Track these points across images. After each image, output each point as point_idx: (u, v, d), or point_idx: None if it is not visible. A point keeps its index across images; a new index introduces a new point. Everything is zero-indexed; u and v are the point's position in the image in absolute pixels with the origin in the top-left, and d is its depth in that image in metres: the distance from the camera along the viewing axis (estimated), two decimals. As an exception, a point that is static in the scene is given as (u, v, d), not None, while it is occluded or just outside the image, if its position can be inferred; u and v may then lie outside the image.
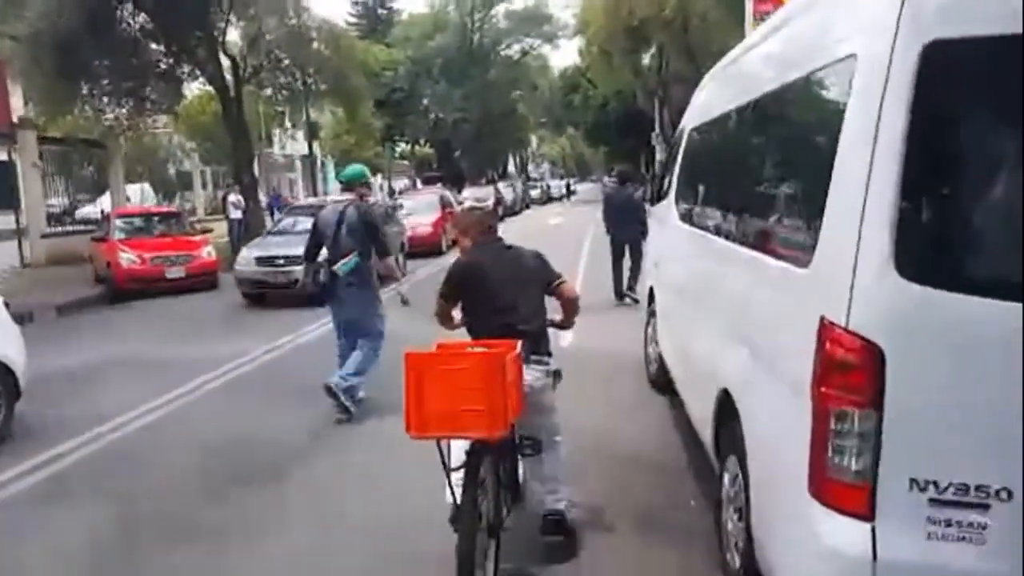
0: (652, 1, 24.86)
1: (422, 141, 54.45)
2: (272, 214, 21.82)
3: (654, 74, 32.80)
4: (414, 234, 16.75)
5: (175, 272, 12.83)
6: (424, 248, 17.03)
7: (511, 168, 79.29)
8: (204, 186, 35.60)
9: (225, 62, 19.42)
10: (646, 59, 33.33)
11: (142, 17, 18.86)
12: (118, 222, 14.15)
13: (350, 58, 21.18)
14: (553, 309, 3.75)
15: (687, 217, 4.90)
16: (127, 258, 12.71)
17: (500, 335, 3.26)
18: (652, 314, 6.13)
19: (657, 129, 33.64)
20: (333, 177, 41.87)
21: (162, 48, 19.38)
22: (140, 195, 34.43)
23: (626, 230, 9.76)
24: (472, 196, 29.03)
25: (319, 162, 36.40)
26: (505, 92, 53.25)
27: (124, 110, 19.43)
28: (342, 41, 21.00)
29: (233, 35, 19.87)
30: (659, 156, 35.46)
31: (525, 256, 3.65)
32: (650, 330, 6.22)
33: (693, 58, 25.66)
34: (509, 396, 2.90)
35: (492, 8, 52.23)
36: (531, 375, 3.33)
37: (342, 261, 5.64)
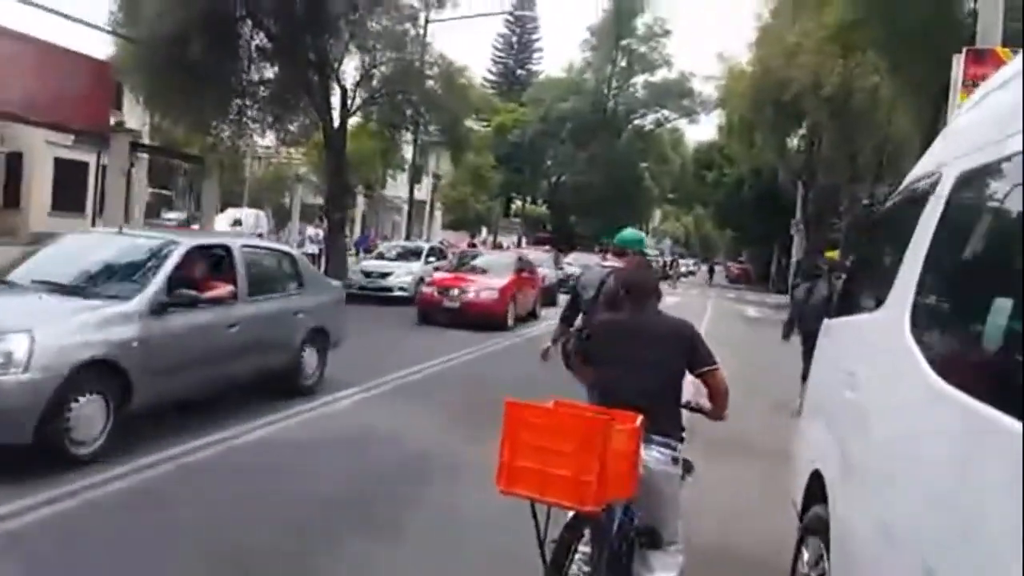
0: (809, 74, 22.04)
1: (539, 201, 53.05)
2: (357, 253, 20.26)
3: (800, 155, 29.61)
4: (473, 300, 13.86)
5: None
6: (483, 318, 13.60)
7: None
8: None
9: (335, 91, 18.31)
10: (793, 139, 30.25)
11: (261, 37, 18.14)
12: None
13: (462, 99, 19.57)
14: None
15: (953, 366, 2.10)
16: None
17: (618, 404, 3.02)
18: (809, 534, 3.16)
19: (798, 215, 30.25)
20: (439, 226, 40.78)
21: (275, 70, 18.52)
22: (255, 220, 34.52)
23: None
24: (576, 262, 26.88)
25: (427, 208, 35.23)
26: (633, 161, 51.25)
27: (227, 128, 18.60)
28: (456, 80, 19.44)
29: (347, 65, 18.73)
30: (796, 246, 31.99)
31: (674, 327, 3.36)
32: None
33: (850, 140, 22.52)
34: (611, 469, 2.64)
35: (631, 78, 50.75)
36: (652, 456, 3.07)
37: None
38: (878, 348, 2.62)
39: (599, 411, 2.96)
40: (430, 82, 19.00)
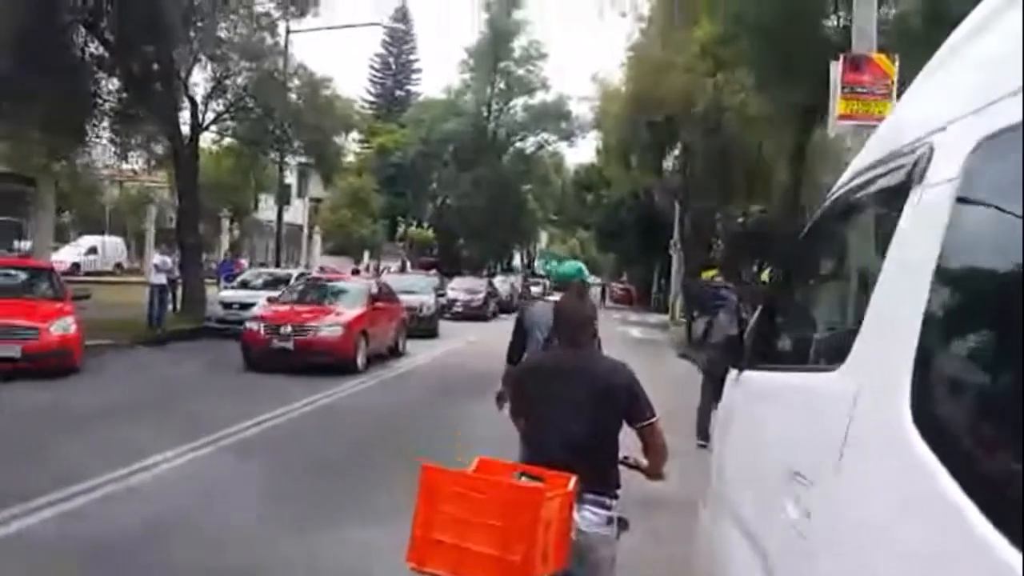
0: (681, 93, 22.27)
1: (425, 224, 52.02)
2: (218, 282, 18.47)
3: (676, 176, 30.09)
4: (311, 339, 11.45)
5: (4, 351, 9.22)
6: (325, 360, 11.19)
7: (516, 262, 77.10)
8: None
9: (185, 104, 16.65)
10: (668, 160, 30.71)
11: (96, 44, 16.28)
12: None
13: (328, 114, 18.33)
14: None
15: (1007, 489, 1.03)
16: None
17: (549, 460, 2.78)
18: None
19: (675, 236, 30.65)
20: (319, 252, 38.84)
21: (115, 82, 16.67)
22: (102, 248, 31.56)
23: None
24: (461, 287, 26.03)
25: (303, 232, 33.38)
26: (516, 184, 51.25)
27: (64, 145, 16.48)
28: (321, 93, 18.19)
29: (198, 75, 17.11)
30: (676, 265, 32.44)
31: (608, 372, 3.04)
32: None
33: (722, 160, 22.90)
34: (541, 544, 2.39)
35: (511, 100, 50.86)
36: (585, 517, 2.78)
37: None
38: (851, 442, 1.55)
39: (530, 472, 2.74)
40: (291, 95, 17.63)
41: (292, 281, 15.63)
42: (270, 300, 13.39)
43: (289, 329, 11.45)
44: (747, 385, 2.71)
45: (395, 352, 14.13)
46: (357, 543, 4.78)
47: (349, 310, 12.36)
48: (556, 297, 4.67)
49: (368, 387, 10.89)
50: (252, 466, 6.42)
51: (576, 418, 2.87)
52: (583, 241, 76.23)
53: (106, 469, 5.78)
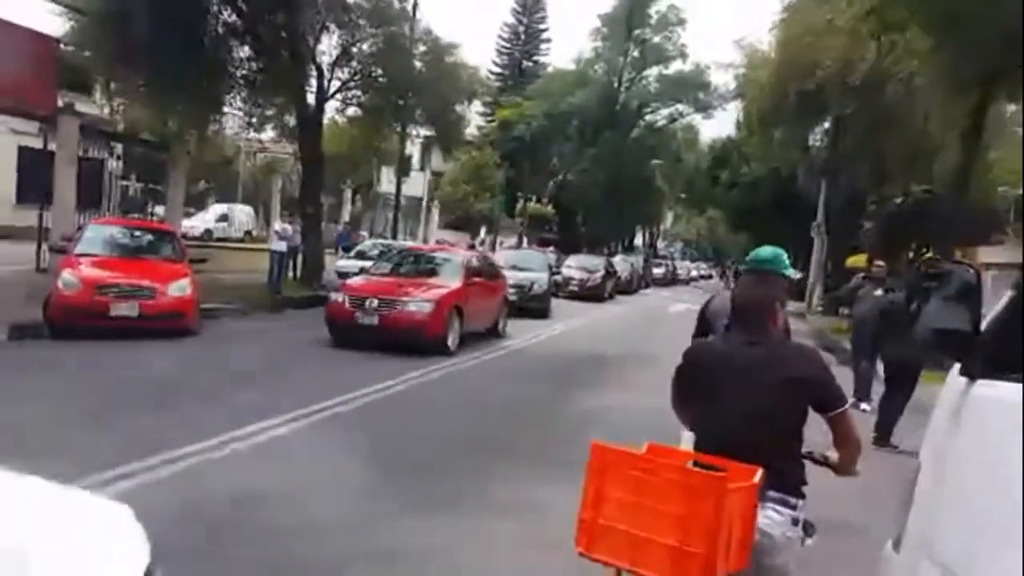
0: (838, 58, 19.98)
1: (544, 200, 51.08)
2: (337, 251, 18.38)
3: (823, 152, 27.50)
4: (397, 315, 10.36)
5: (123, 309, 9.18)
6: (412, 339, 10.23)
7: (638, 242, 75.02)
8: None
9: (312, 72, 16.45)
10: (815, 134, 28.13)
11: (228, 11, 16.33)
12: (88, 233, 10.90)
13: (452, 81, 17.62)
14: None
15: None
16: (67, 282, 9.21)
17: (725, 452, 2.52)
18: None
19: (819, 217, 28.10)
20: (437, 226, 38.82)
21: (245, 49, 16.71)
22: (232, 215, 32.85)
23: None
24: (577, 265, 24.92)
25: (422, 206, 33.33)
26: (643, 159, 49.22)
27: (195, 113, 16.77)
28: (445, 59, 17.49)
29: (326, 43, 16.84)
30: (816, 250, 29.84)
31: (796, 357, 2.73)
32: None
33: (878, 135, 20.45)
34: (725, 538, 2.20)
35: (644, 70, 48.65)
36: (768, 518, 2.55)
37: None
38: None
39: (706, 461, 2.52)
40: (416, 63, 17.07)
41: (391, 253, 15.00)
42: (362, 271, 12.52)
43: (375, 303, 10.42)
44: (994, 403, 1.88)
45: (495, 332, 12.94)
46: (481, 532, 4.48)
47: (442, 285, 11.24)
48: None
49: (447, 376, 9.57)
50: (342, 444, 6.07)
51: (759, 409, 2.61)
52: (711, 221, 72.83)
53: (191, 439, 5.54)
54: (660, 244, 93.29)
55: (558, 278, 21.18)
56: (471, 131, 49.85)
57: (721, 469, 2.37)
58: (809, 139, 28.05)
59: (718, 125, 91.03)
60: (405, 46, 16.81)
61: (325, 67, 16.64)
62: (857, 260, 27.30)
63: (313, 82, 16.88)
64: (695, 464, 2.55)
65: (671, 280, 41.00)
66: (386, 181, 34.47)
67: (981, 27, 13.27)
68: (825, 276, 29.39)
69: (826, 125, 26.54)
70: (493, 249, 26.04)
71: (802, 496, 2.67)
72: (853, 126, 22.75)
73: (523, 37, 57.66)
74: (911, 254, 22.49)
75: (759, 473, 2.42)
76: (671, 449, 2.70)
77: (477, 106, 53.49)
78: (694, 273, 58.37)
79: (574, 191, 46.95)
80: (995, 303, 2.19)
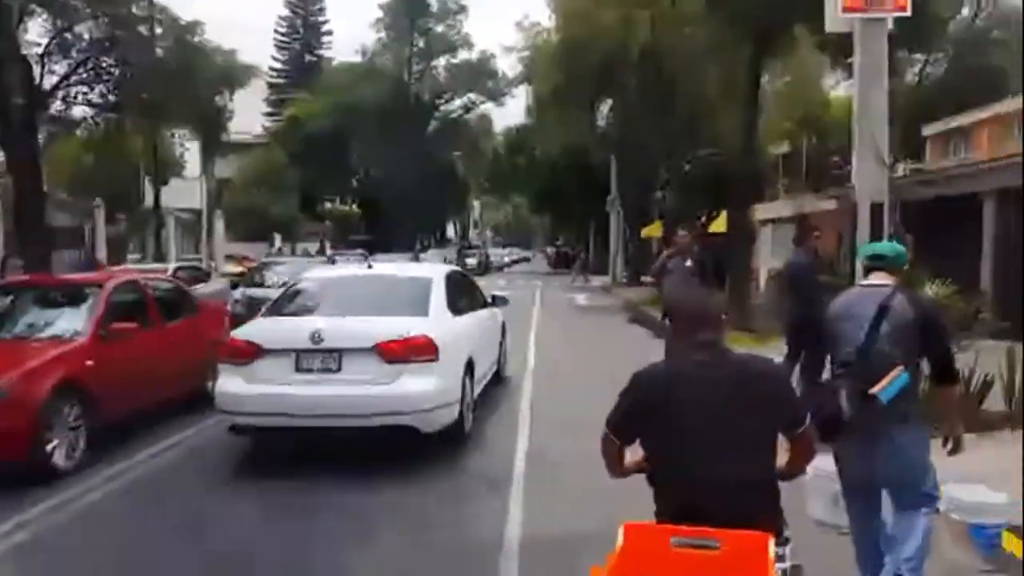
0: (615, 32, 19.93)
1: (348, 200, 48.77)
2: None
3: (612, 127, 27.91)
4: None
5: None
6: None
7: (450, 234, 74.45)
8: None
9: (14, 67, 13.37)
10: (603, 110, 28.48)
11: None
12: None
13: (203, 68, 15.18)
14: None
15: None
16: None
17: (698, 504, 2.23)
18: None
19: (614, 192, 28.58)
20: (224, 240, 35.21)
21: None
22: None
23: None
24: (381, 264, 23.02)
25: (203, 218, 29.92)
26: (444, 151, 48.43)
27: None
28: (187, 42, 15.02)
29: (33, 32, 13.78)
30: (613, 225, 30.43)
31: (758, 374, 2.39)
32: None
33: (664, 103, 20.71)
34: None
35: (432, 60, 47.68)
36: None
37: (885, 381, 3.05)
38: None
39: (694, 535, 2.14)
40: (157, 48, 14.51)
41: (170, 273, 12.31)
42: None
43: None
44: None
45: (197, 398, 7.26)
46: None
47: (41, 348, 5.98)
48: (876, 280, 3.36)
49: (72, 516, 4.86)
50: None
51: (730, 442, 2.26)
52: (516, 206, 73.95)
53: None
54: (472, 233, 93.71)
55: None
56: (256, 131, 46.38)
57: (713, 545, 2.11)
58: (598, 115, 28.36)
59: (511, 111, 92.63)
60: (139, 30, 14.19)
61: (33, 60, 13.56)
62: (652, 230, 28.19)
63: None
64: (680, 543, 2.15)
65: (484, 269, 40.40)
66: (168, 192, 30.38)
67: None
68: (624, 247, 30.08)
69: (612, 100, 26.89)
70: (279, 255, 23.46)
71: (788, 541, 2.37)
72: (638, 98, 23.02)
73: (302, 30, 54.51)
74: (703, 218, 23.23)
75: (771, 545, 2.12)
76: (651, 526, 2.29)
77: (259, 103, 49.88)
78: (507, 259, 58.65)
79: (378, 188, 45.08)
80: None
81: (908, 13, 6.74)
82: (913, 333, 3.17)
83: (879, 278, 3.35)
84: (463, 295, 7.53)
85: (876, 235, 6.81)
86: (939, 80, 28.87)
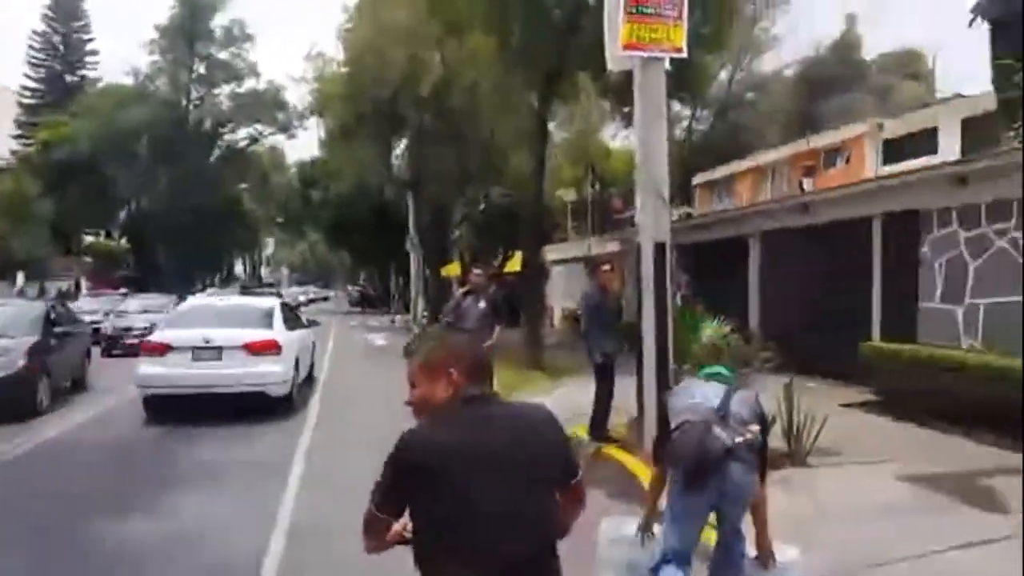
0: (406, 67, 19.54)
1: (115, 233, 43.80)
2: None
3: (407, 164, 27.42)
4: None
5: None
6: None
7: (240, 271, 69.87)
8: None
9: None
10: (399, 147, 27.93)
11: None
12: None
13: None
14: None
15: None
16: None
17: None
18: None
19: (412, 231, 28.02)
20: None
21: None
22: None
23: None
24: (139, 308, 19.15)
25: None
26: (229, 182, 45.26)
27: None
28: None
29: None
30: (413, 264, 29.86)
31: (533, 426, 2.09)
32: None
33: (460, 147, 20.58)
34: None
35: (215, 87, 44.58)
36: None
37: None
38: None
39: None
40: None
41: None
42: None
43: None
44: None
45: None
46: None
47: None
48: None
49: None
50: None
51: (507, 503, 1.96)
52: (312, 243, 71.05)
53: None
54: (264, 271, 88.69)
55: (106, 328, 16.75)
56: (3, 153, 40.44)
57: None
58: (393, 152, 27.75)
59: (304, 144, 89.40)
60: None
61: None
62: (451, 269, 28.02)
63: None
64: None
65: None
66: None
67: (536, 29, 13.56)
68: (425, 287, 29.57)
69: (406, 139, 26.43)
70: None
71: None
72: (431, 136, 22.75)
73: (62, 48, 48.77)
74: (500, 258, 23.33)
75: None
76: None
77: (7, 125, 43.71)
78: (302, 298, 55.93)
79: (151, 220, 40.89)
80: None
81: (684, 54, 6.81)
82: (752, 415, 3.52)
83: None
84: (291, 318, 11.24)
85: (660, 272, 6.75)
86: (704, 135, 31.79)
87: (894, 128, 20.28)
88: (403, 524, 2.12)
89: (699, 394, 3.51)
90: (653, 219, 6.94)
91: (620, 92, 15.49)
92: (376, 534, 2.11)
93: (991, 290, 8.10)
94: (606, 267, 7.82)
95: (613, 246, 19.35)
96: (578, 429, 7.36)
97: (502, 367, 11.03)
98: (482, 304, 8.41)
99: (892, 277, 9.65)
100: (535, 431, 2.09)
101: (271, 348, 9.32)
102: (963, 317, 8.46)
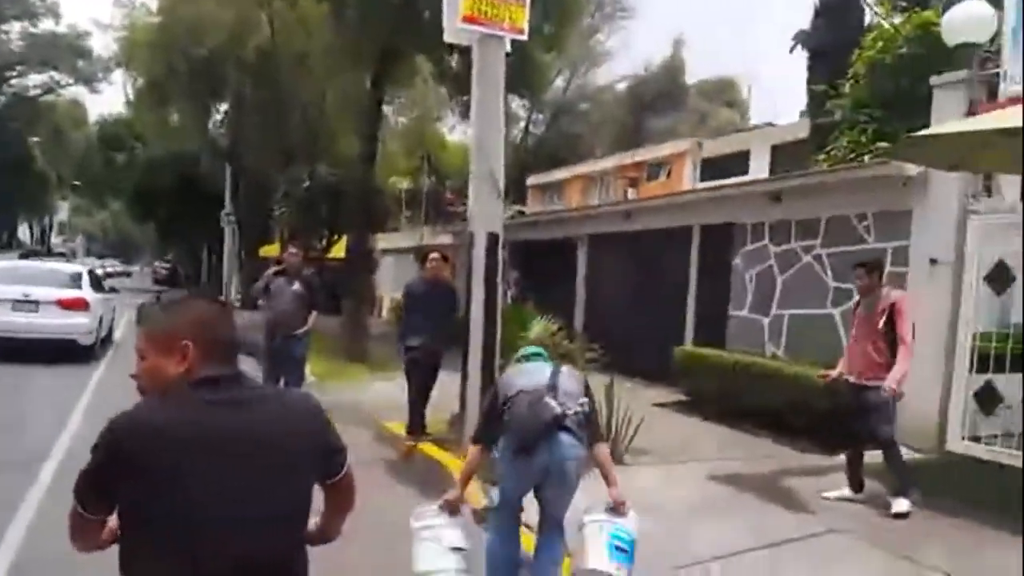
0: (229, 26, 17.89)
1: None
2: None
3: (226, 131, 25.29)
4: None
5: None
6: None
7: (24, 236, 61.97)
8: None
9: None
10: (216, 114, 25.68)
11: None
12: None
13: None
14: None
15: None
16: None
17: None
18: None
19: (228, 205, 25.91)
20: None
21: None
22: None
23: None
24: None
25: None
26: (18, 135, 39.70)
27: None
28: None
29: None
30: (228, 242, 27.62)
31: (283, 414, 1.81)
32: None
33: (286, 117, 19.19)
34: None
35: (3, 23, 38.89)
36: None
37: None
38: None
39: None
40: None
41: None
42: None
43: None
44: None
45: None
46: None
47: None
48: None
49: None
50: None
51: (251, 500, 1.68)
52: (115, 213, 64.25)
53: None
54: (56, 239, 79.19)
55: None
56: None
57: None
58: (210, 118, 25.45)
59: (110, 99, 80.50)
60: None
61: None
62: (271, 249, 26.26)
63: None
64: None
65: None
66: None
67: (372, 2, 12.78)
68: (240, 267, 27.55)
69: (226, 105, 24.36)
70: None
71: None
72: (254, 104, 21.06)
73: None
74: (324, 240, 22.12)
75: None
76: None
77: None
78: (100, 271, 50.29)
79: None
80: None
81: (525, 36, 6.52)
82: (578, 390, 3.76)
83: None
84: (97, 283, 13.09)
85: (491, 263, 6.42)
86: (539, 139, 32.32)
87: (712, 148, 21.69)
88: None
89: (529, 370, 3.74)
90: (487, 208, 6.61)
91: (458, 80, 15.12)
92: (86, 535, 1.78)
93: (796, 302, 8.61)
94: (434, 255, 7.33)
95: (446, 238, 18.96)
96: (395, 426, 7.02)
97: (318, 356, 10.33)
98: (296, 286, 7.62)
99: (707, 286, 10.05)
100: (285, 419, 1.81)
101: (81, 305, 11.26)
102: (768, 326, 8.94)
